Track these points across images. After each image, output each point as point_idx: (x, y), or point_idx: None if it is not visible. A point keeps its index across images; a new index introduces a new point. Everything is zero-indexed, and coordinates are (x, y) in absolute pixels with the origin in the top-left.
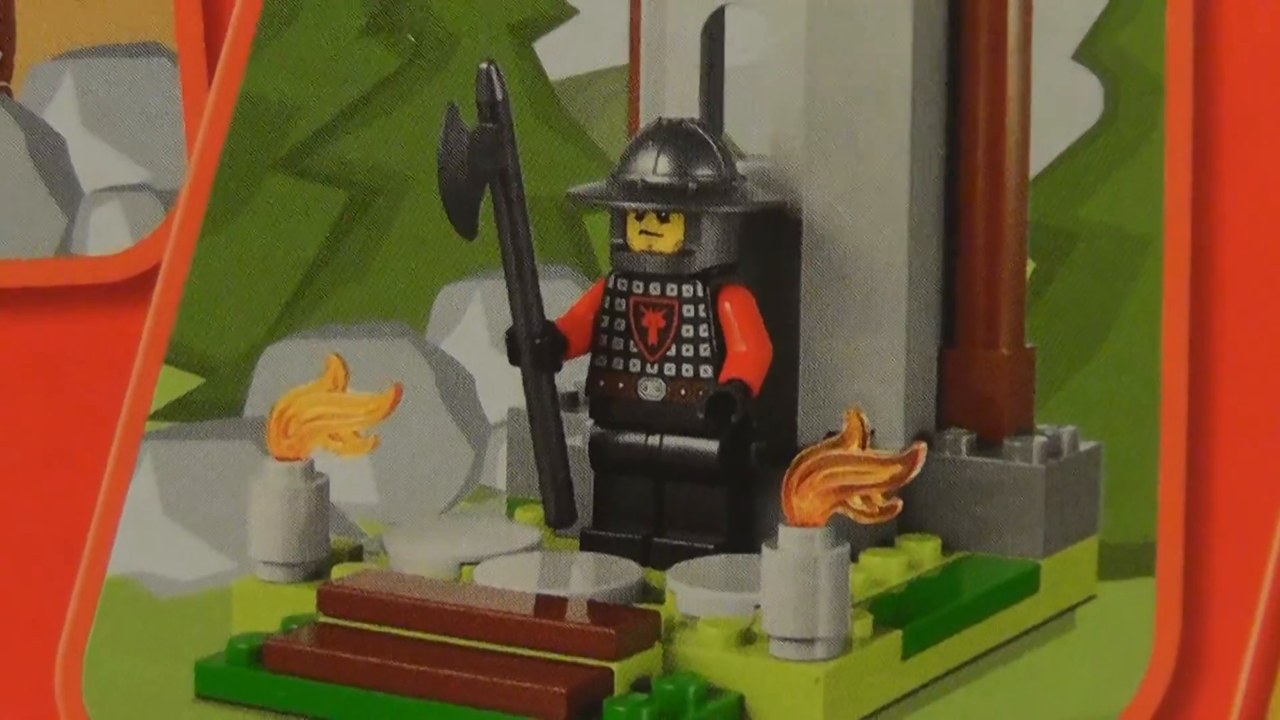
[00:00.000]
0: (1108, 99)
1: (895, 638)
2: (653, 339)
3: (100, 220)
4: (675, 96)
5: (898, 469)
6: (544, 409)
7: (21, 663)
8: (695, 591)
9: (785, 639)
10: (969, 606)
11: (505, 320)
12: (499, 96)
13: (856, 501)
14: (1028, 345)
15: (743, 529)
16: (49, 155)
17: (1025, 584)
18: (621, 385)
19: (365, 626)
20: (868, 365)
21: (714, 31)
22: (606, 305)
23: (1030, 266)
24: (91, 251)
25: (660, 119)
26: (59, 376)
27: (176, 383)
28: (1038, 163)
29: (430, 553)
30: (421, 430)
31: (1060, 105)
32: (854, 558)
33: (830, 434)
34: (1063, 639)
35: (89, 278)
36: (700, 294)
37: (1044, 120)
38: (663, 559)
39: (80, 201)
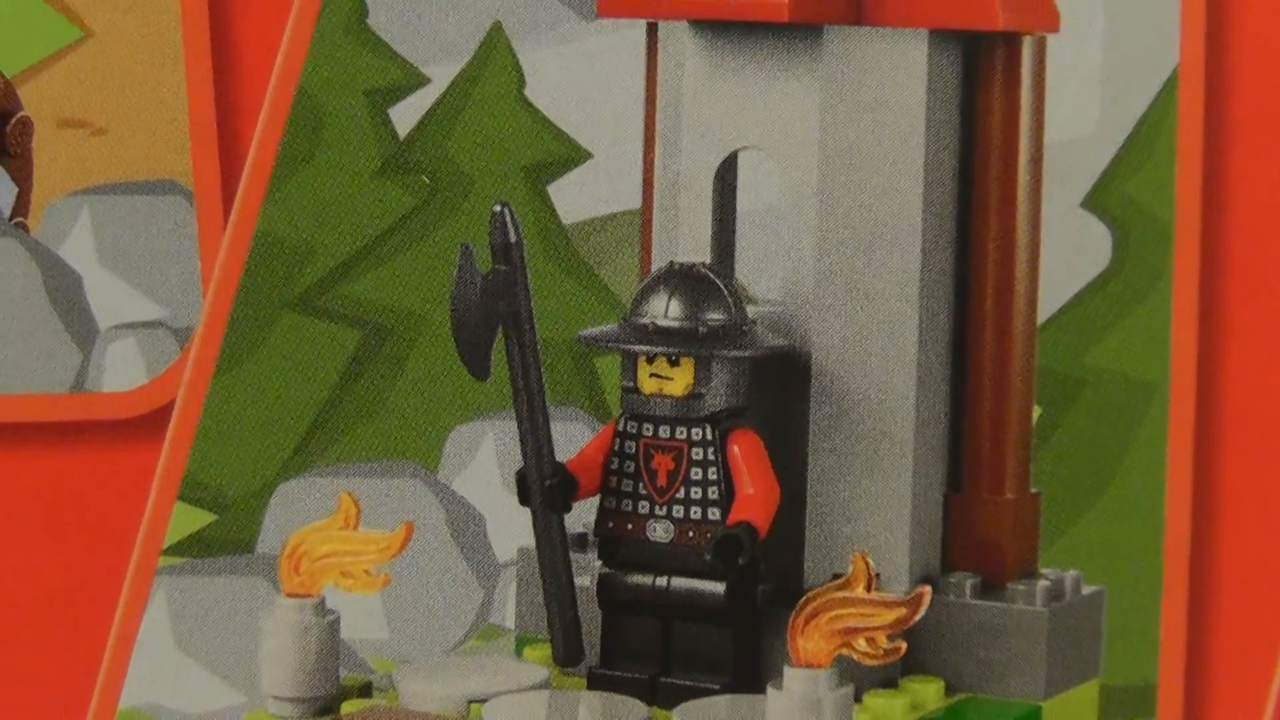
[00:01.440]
0: (1116, 246)
1: None
2: (662, 481)
3: (115, 356)
4: (687, 240)
5: (902, 612)
6: (553, 549)
7: None
8: None
9: None
10: None
11: (516, 461)
12: (512, 239)
13: (861, 643)
14: (1033, 491)
15: (749, 669)
16: (65, 291)
17: None
18: (630, 526)
19: None
20: (874, 509)
21: (726, 176)
22: (616, 447)
23: (1036, 412)
24: (107, 387)
25: (672, 263)
26: (74, 510)
27: (190, 518)
28: (1046, 309)
29: (439, 689)
30: (432, 568)
31: (1069, 252)
32: (858, 698)
33: (836, 576)
34: None
35: (104, 413)
36: (709, 437)
37: (1053, 267)
38: (670, 698)
39: (96, 338)
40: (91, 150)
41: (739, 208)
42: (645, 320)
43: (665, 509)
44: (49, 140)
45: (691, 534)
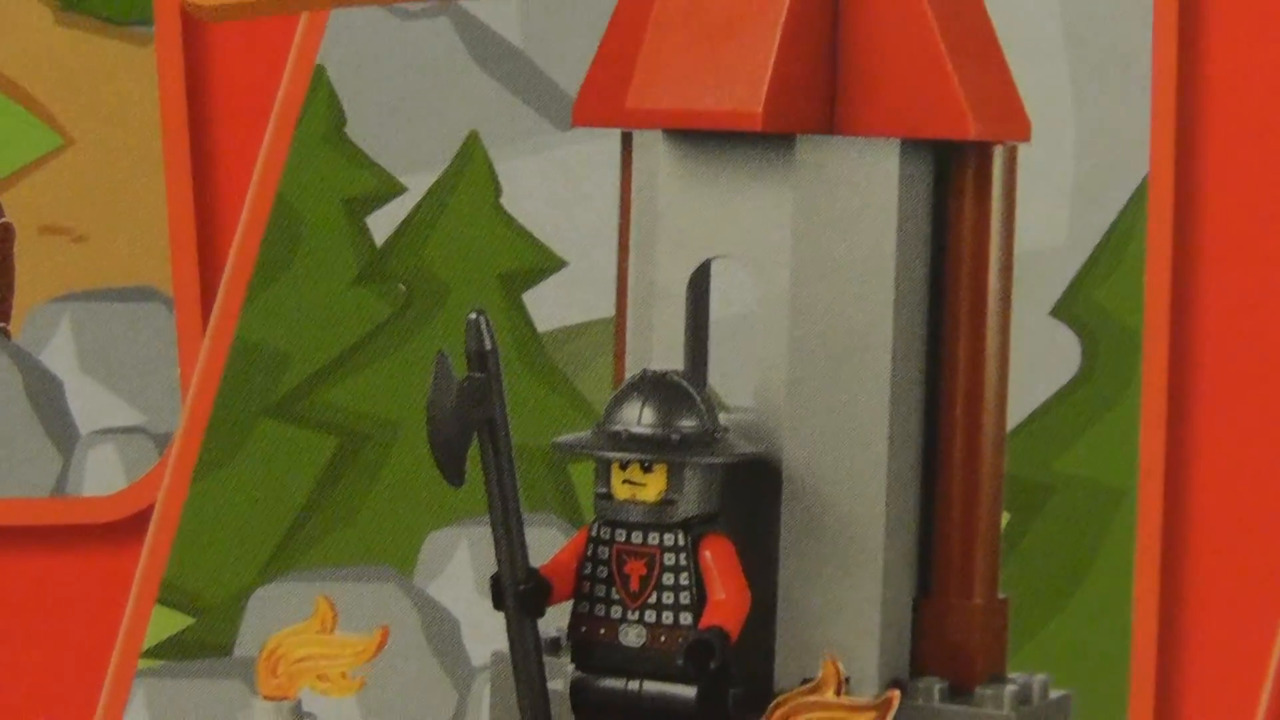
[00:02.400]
0: (1085, 354)
1: None
2: (634, 586)
3: (95, 461)
4: (661, 348)
5: (872, 715)
6: (527, 653)
7: None
8: None
9: None
10: None
11: (491, 566)
12: (488, 347)
13: None
14: (1001, 596)
15: None
16: (46, 396)
17: None
18: (603, 631)
19: None
20: (844, 613)
21: (700, 284)
22: (589, 553)
23: (1005, 518)
24: (87, 492)
25: (645, 371)
26: (53, 614)
27: (168, 622)
28: (1015, 416)
29: None
30: (407, 672)
31: (1038, 360)
32: None
33: (806, 680)
34: None
35: (84, 517)
36: (682, 543)
37: (1022, 374)
38: None
39: (76, 442)
40: (72, 257)
41: (712, 315)
42: (619, 427)
43: (637, 613)
44: (30, 246)
45: (663, 638)
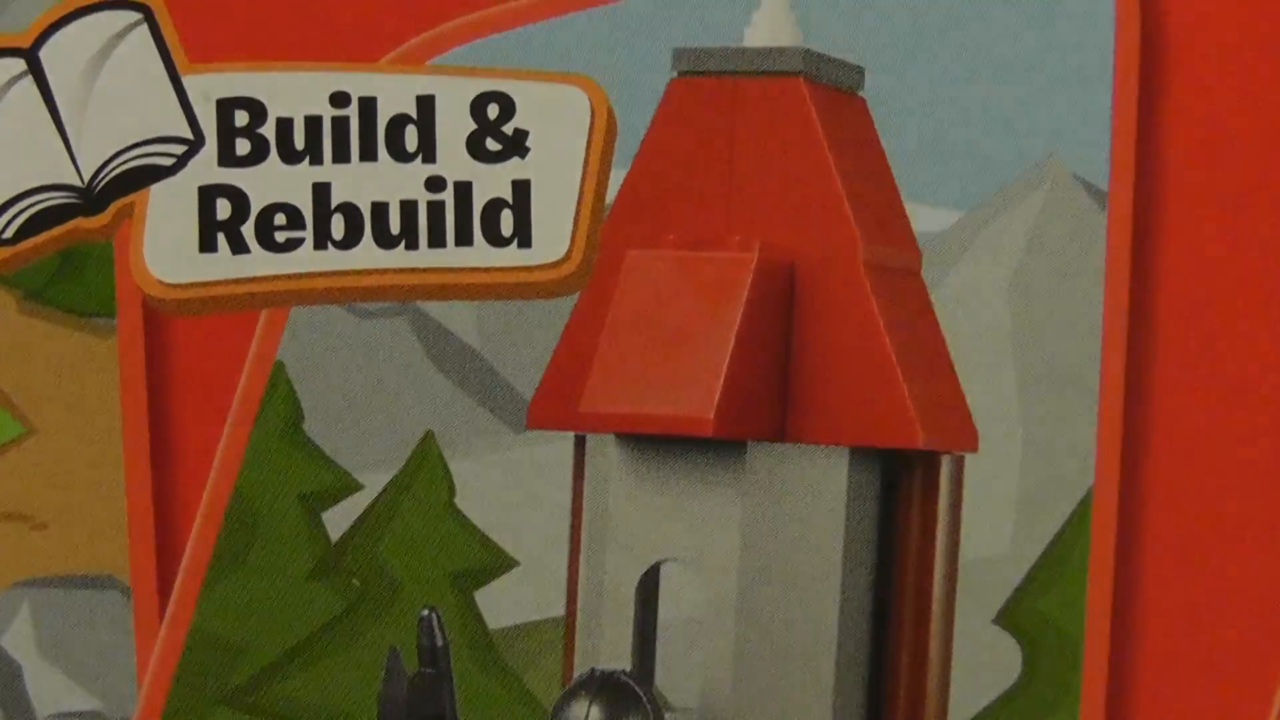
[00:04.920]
0: (1026, 661)
1: None
2: None
3: None
4: (609, 648)
5: None
6: None
7: None
8: None
9: None
10: None
11: None
12: (439, 643)
13: None
14: None
15: None
16: (4, 680)
17: None
18: None
19: None
20: None
21: (649, 586)
22: None
23: None
24: None
25: (594, 670)
26: None
27: None
28: None
29: None
30: None
31: (980, 666)
32: None
33: None
34: None
35: None
36: None
37: (964, 680)
38: None
39: None
40: (32, 544)
41: (660, 617)
42: None
43: None
44: None
45: None
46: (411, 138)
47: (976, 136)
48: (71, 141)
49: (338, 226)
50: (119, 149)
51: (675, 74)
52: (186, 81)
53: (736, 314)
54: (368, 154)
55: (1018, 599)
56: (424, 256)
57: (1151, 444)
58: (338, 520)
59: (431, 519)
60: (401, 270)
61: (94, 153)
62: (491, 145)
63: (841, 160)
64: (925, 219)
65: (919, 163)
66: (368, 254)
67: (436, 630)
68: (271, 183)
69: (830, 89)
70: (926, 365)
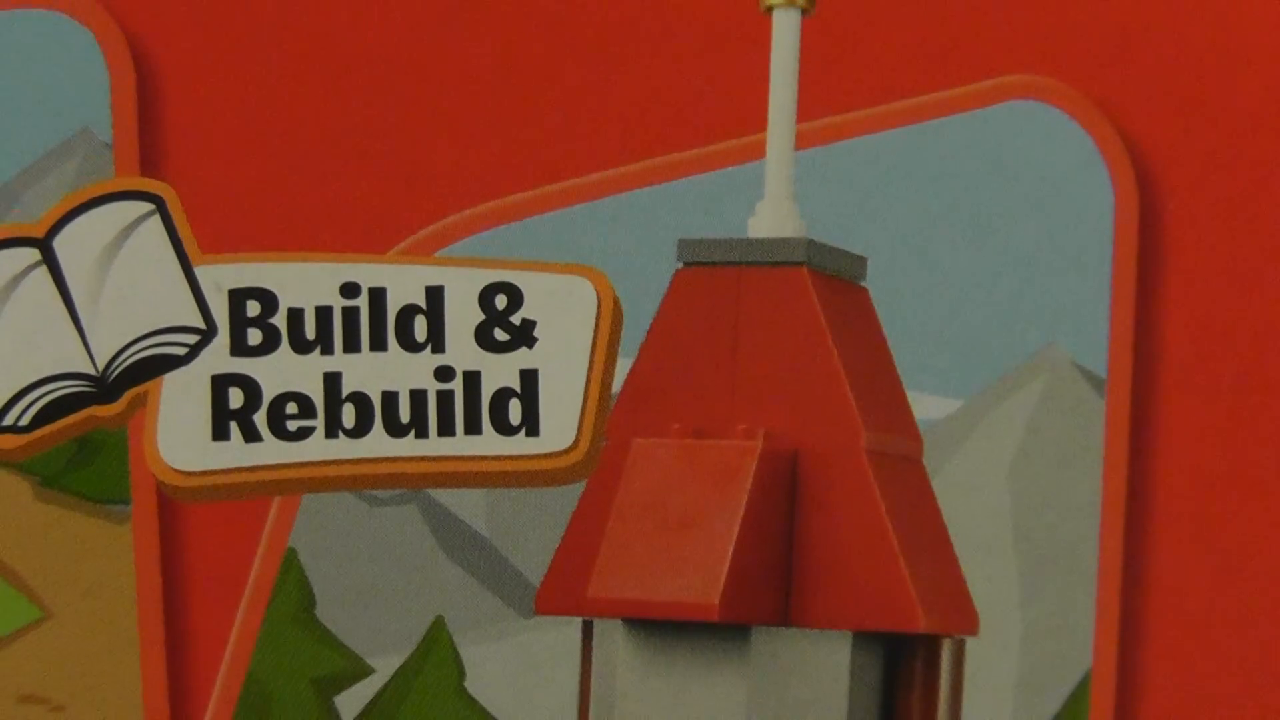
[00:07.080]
0: None
1: None
2: None
3: None
4: None
5: None
6: None
7: None
8: None
9: None
10: None
11: None
12: None
13: None
14: None
15: None
16: None
17: None
18: None
19: None
20: None
21: None
22: None
23: None
24: None
25: None
26: None
27: None
28: None
29: None
30: None
31: None
32: None
33: None
34: None
35: None
36: None
37: None
38: None
39: None
40: None
41: None
42: None
43: None
44: (9, 715)
45: None
46: (421, 328)
47: (977, 325)
48: (85, 330)
49: (349, 415)
50: (132, 338)
51: (680, 264)
52: (199, 272)
53: (741, 501)
54: (378, 344)
55: None
56: (433, 445)
57: (1149, 627)
58: (350, 704)
59: (442, 702)
60: (411, 459)
61: (107, 342)
62: (500, 335)
63: (844, 349)
64: (927, 406)
65: (921, 351)
66: (378, 442)
67: None
68: (283, 372)
69: (833, 278)
70: (928, 550)
